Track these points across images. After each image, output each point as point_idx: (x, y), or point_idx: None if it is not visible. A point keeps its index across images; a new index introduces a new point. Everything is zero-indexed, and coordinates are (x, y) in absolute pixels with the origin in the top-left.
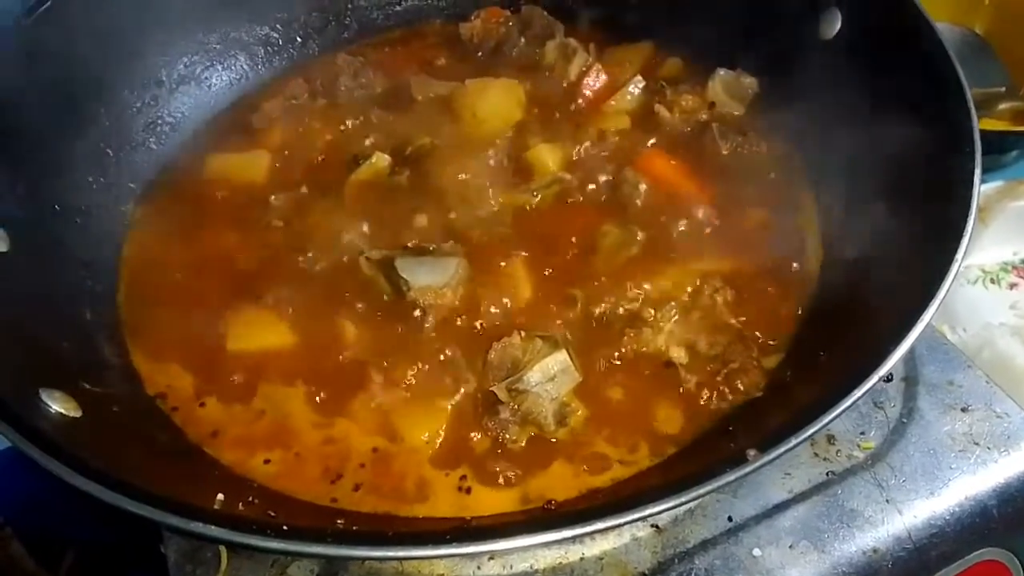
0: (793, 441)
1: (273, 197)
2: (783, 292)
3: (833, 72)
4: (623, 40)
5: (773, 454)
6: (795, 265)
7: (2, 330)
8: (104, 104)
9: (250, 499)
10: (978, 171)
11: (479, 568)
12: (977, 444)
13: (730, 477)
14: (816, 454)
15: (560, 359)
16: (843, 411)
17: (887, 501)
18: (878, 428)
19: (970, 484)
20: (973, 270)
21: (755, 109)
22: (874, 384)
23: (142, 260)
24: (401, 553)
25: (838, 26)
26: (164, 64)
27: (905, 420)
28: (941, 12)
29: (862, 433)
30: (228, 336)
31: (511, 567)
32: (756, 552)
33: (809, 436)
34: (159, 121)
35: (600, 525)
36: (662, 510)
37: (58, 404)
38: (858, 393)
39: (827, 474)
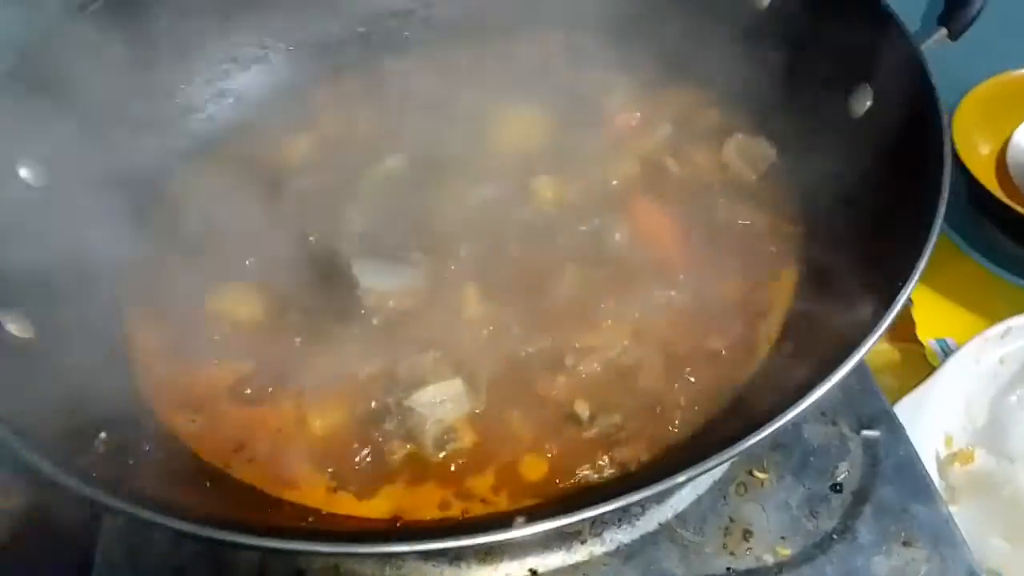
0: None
1: (294, 179)
2: (716, 373)
3: (856, 151)
4: (668, 82)
5: (539, 527)
6: (729, 352)
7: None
8: (178, 72)
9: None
10: None
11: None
12: None
13: (494, 537)
14: (725, 545)
15: (454, 386)
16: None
17: None
18: (803, 536)
19: None
20: None
21: (769, 178)
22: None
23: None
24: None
25: (868, 103)
26: (242, 44)
27: (835, 536)
28: None
29: (783, 537)
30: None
31: None
32: None
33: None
34: (225, 92)
35: (404, 547)
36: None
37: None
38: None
39: (727, 570)
